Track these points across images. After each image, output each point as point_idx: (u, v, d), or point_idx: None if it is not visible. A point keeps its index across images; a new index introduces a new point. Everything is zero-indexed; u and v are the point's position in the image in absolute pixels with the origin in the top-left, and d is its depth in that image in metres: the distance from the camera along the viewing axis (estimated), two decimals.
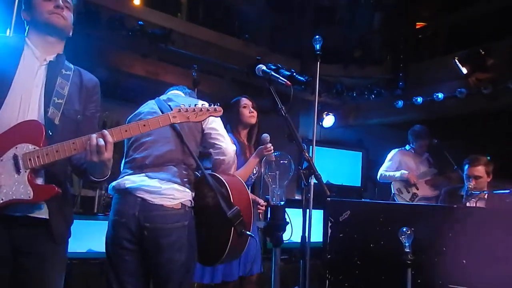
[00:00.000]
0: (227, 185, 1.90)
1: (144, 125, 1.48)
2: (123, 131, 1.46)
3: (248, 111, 2.70)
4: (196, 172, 2.02)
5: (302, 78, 4.28)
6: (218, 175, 1.98)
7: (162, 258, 1.78)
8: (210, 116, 1.61)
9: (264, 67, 1.87)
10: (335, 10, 5.52)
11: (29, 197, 1.37)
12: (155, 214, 1.77)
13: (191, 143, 1.96)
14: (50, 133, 1.44)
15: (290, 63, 4.93)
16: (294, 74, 1.94)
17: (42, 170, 1.46)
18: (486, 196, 3.10)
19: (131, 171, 1.88)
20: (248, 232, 1.81)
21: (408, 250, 2.02)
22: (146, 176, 1.83)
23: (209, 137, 2.02)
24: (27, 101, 1.45)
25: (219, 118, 1.91)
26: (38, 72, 1.51)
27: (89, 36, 3.58)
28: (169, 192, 1.80)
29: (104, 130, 1.42)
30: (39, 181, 1.44)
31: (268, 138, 2.51)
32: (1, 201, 1.36)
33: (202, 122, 1.93)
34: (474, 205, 3.06)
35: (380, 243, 2.37)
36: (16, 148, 1.39)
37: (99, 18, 3.67)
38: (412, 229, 2.03)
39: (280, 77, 1.82)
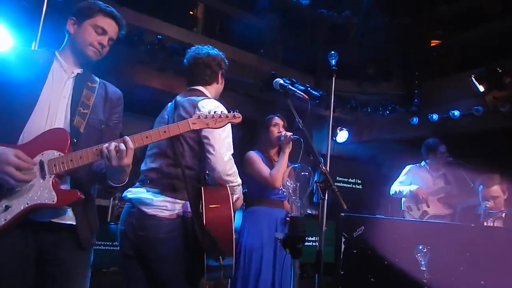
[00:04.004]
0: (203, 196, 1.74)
1: (165, 132, 1.51)
2: (144, 137, 1.49)
3: (277, 131, 2.69)
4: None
5: (316, 93, 4.33)
6: (201, 188, 1.80)
7: (157, 266, 1.78)
8: (229, 122, 1.61)
9: (281, 81, 1.89)
10: (349, 27, 5.57)
11: (53, 201, 1.41)
12: (148, 224, 1.77)
13: (186, 154, 1.82)
14: (75, 140, 1.49)
15: (303, 78, 4.96)
16: (309, 88, 1.95)
17: (67, 177, 1.50)
18: (504, 215, 3.04)
19: (137, 183, 1.91)
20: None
21: (424, 269, 1.98)
22: (144, 188, 1.85)
23: (204, 147, 1.82)
24: (55, 110, 1.51)
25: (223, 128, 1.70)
26: (66, 83, 1.58)
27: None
28: (162, 204, 1.79)
29: (126, 137, 1.46)
30: (64, 186, 1.48)
31: (282, 132, 2.64)
32: (27, 205, 1.39)
33: (199, 130, 1.73)
34: (492, 224, 2.99)
35: (395, 261, 2.33)
36: (43, 154, 1.43)
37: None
38: (429, 247, 1.99)
39: (298, 91, 1.84)
